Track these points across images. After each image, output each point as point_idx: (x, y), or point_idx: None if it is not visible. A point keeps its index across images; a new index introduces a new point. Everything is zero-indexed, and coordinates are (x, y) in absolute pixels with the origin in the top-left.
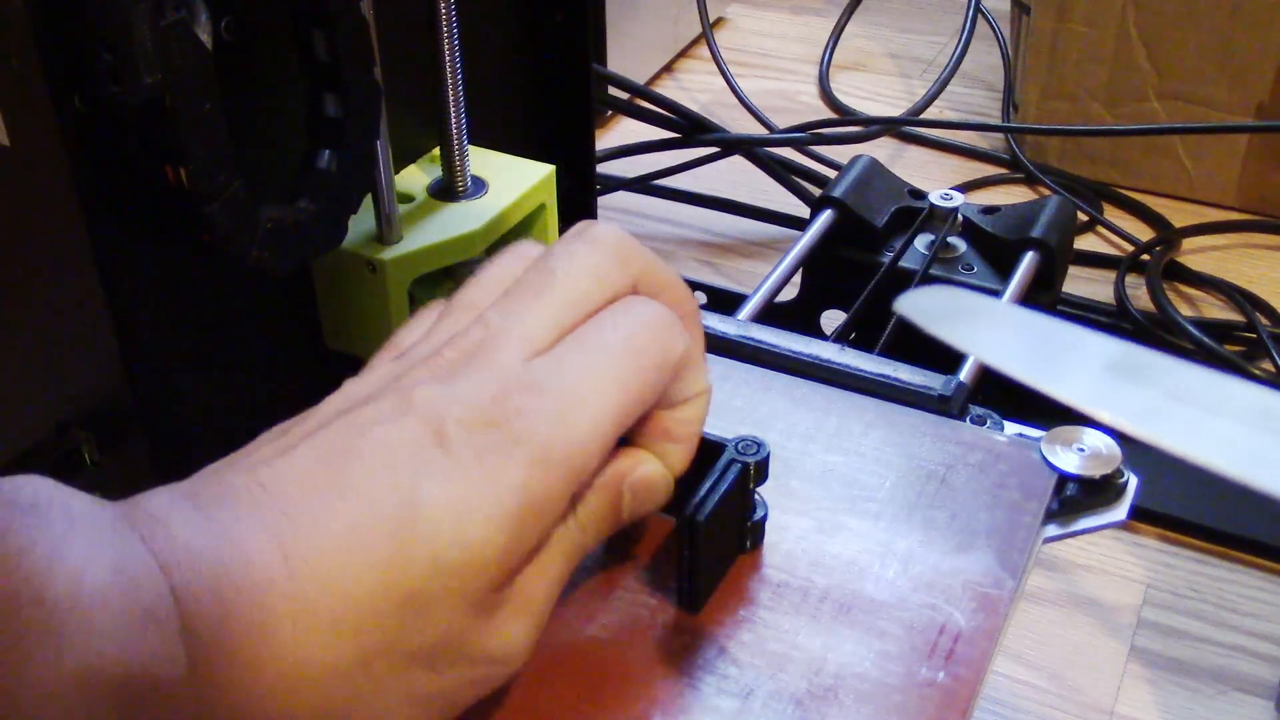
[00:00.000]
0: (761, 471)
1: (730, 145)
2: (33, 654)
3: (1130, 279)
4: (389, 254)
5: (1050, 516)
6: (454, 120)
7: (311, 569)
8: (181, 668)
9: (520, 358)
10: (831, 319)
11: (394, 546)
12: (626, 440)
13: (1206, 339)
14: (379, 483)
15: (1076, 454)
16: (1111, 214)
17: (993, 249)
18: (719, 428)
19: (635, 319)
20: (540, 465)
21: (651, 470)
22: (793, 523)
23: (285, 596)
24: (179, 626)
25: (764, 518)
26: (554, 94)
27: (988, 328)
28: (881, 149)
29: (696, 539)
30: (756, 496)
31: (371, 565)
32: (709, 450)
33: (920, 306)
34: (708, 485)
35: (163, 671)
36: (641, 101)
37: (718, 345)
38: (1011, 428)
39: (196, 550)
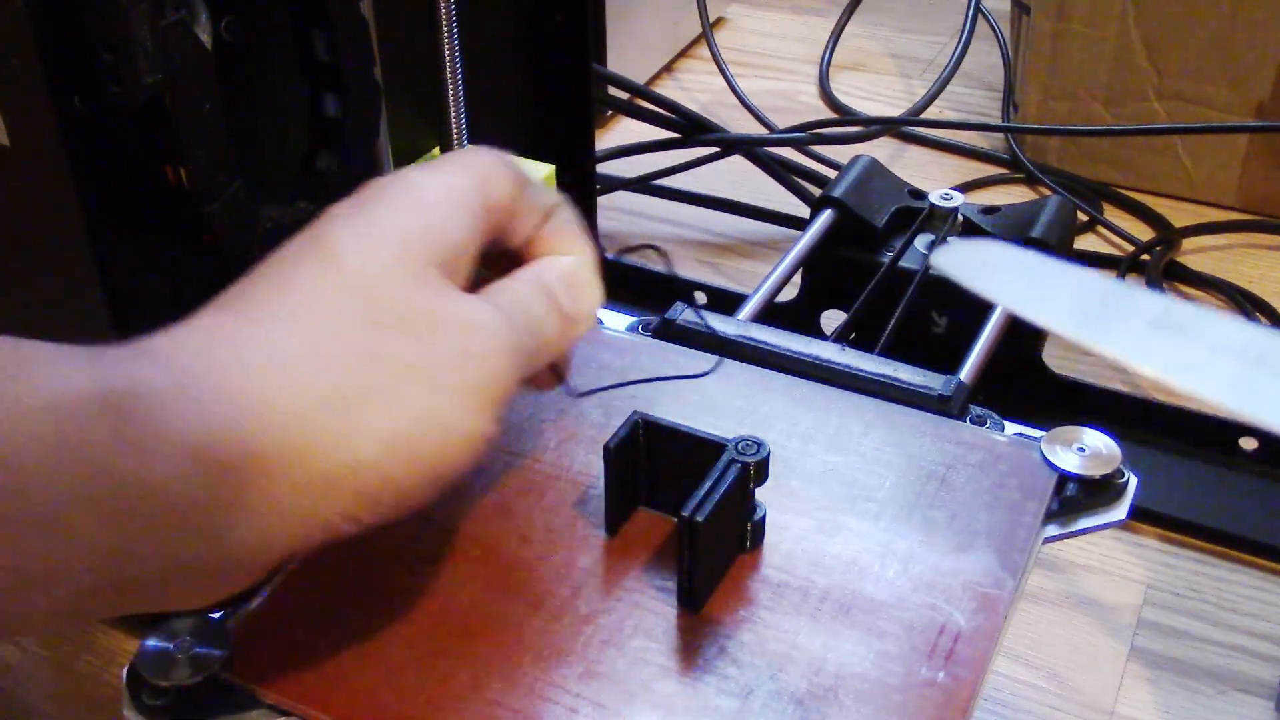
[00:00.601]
0: (761, 471)
1: (730, 145)
2: (2, 393)
3: (1130, 279)
4: None
5: (1050, 516)
6: (454, 120)
7: (259, 294)
8: (161, 374)
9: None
10: (831, 319)
11: (320, 257)
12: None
13: None
14: (290, 260)
15: (1076, 454)
16: (1111, 214)
17: None
18: (719, 428)
19: (463, 152)
20: (412, 194)
21: (566, 260)
22: (793, 523)
23: (244, 309)
24: (137, 351)
25: (763, 518)
26: (554, 94)
27: (1026, 281)
28: (881, 149)
29: (696, 539)
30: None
31: (307, 273)
32: (709, 450)
33: (957, 260)
34: (708, 485)
35: (142, 380)
36: (641, 101)
37: (718, 345)
38: (1011, 428)
39: (134, 340)
